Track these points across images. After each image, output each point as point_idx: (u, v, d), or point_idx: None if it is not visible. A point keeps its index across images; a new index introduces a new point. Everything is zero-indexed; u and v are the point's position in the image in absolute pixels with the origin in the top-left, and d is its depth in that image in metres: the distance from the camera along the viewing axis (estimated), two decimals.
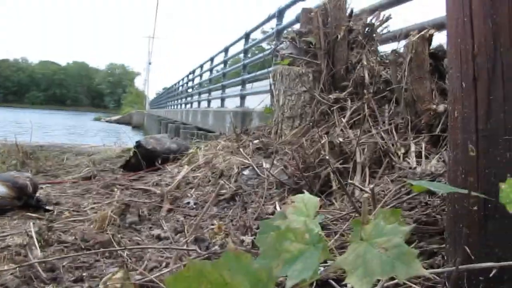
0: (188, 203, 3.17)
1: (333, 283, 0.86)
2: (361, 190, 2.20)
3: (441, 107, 2.74)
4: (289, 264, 0.61)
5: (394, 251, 0.58)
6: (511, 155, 0.93)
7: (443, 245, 1.29)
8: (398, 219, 0.64)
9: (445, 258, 1.07)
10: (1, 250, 2.28)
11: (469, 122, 1.00)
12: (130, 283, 0.85)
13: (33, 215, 3.00)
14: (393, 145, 2.76)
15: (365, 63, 3.60)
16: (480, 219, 0.99)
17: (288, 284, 0.59)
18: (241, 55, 11.36)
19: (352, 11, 3.95)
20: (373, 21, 3.86)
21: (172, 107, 26.11)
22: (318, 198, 0.70)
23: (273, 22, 8.46)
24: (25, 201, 3.12)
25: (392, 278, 0.77)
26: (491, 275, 0.89)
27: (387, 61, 3.53)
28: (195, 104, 17.51)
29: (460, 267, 0.89)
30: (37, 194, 3.28)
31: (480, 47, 0.96)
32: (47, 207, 3.16)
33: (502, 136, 0.93)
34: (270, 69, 7.07)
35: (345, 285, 0.90)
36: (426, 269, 1.04)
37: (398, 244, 0.59)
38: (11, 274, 1.95)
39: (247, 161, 3.41)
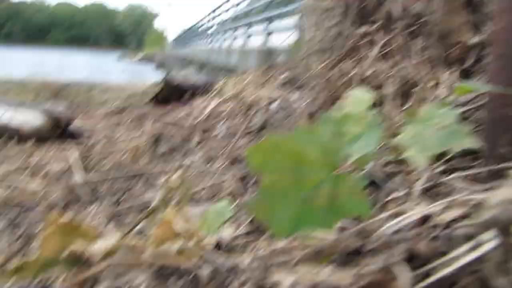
0: (218, 134, 3.23)
1: (380, 181, 0.92)
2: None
3: (473, 40, 2.72)
4: (352, 143, 0.67)
5: (448, 129, 0.63)
6: None
7: (475, 163, 1.34)
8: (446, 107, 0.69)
9: (484, 164, 1.12)
10: (45, 174, 2.40)
11: None
12: (187, 183, 0.92)
13: (69, 145, 3.11)
14: (422, 77, 2.76)
15: None
16: None
17: (354, 156, 0.65)
18: None
19: None
20: None
21: (195, 46, 25.92)
22: (369, 95, 0.75)
23: None
24: (61, 132, 3.23)
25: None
26: None
27: None
28: (218, 43, 17.35)
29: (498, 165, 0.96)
30: (71, 126, 3.38)
31: None
32: (81, 138, 3.27)
33: None
34: (294, 6, 6.96)
35: None
36: (463, 178, 1.10)
37: (451, 123, 0.64)
38: (56, 195, 2.07)
39: (275, 94, 3.44)
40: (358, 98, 0.71)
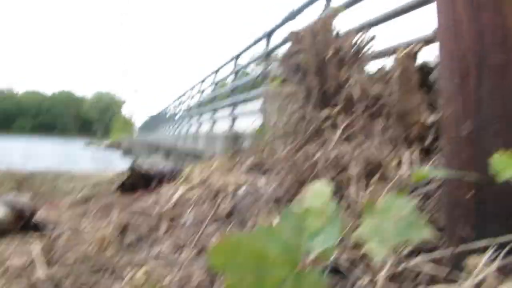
0: (186, 222, 3.21)
1: (344, 270, 0.92)
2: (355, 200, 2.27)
3: (429, 119, 2.84)
4: (313, 237, 0.68)
5: (405, 220, 0.65)
6: (500, 140, 1.04)
7: (439, 243, 1.37)
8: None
9: (446, 245, 1.15)
10: (5, 270, 2.31)
11: (462, 116, 1.12)
12: (153, 278, 0.90)
13: (33, 237, 3.03)
14: (385, 157, 2.84)
15: (354, 80, 3.70)
16: (475, 204, 1.09)
17: (315, 251, 0.66)
18: (230, 79, 11.50)
19: (338, 32, 4.07)
20: (359, 41, 3.98)
21: (161, 132, 26.11)
22: (330, 187, 0.77)
23: (262, 44, 8.60)
24: (24, 223, 3.15)
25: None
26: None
27: (376, 77, 3.63)
28: (184, 128, 17.55)
29: (458, 247, 0.99)
30: (35, 217, 3.30)
31: (469, 45, 1.10)
32: (46, 229, 3.19)
33: (492, 125, 1.05)
34: (259, 91, 7.18)
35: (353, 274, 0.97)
36: (426, 262, 1.12)
37: (409, 214, 0.66)
38: None
39: (242, 180, 3.47)
40: (318, 191, 0.74)
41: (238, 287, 0.63)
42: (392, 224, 0.67)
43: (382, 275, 0.82)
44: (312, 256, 0.67)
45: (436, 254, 1.14)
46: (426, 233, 0.64)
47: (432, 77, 3.05)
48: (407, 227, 0.65)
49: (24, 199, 3.33)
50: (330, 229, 0.69)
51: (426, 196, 1.81)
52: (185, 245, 2.64)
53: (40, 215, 3.61)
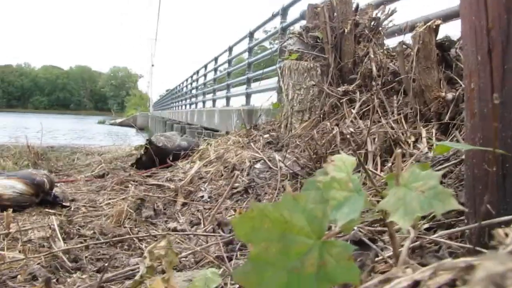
0: (202, 196, 3.22)
1: (368, 241, 0.92)
2: (375, 174, 2.26)
3: (449, 95, 2.80)
4: (337, 209, 0.68)
5: (430, 192, 0.64)
6: None
7: (460, 218, 1.36)
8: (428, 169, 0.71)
9: (466, 221, 1.13)
10: (25, 243, 2.34)
11: (485, 91, 1.09)
12: (173, 251, 0.91)
13: (51, 211, 3.07)
14: (403, 133, 2.81)
15: (372, 56, 3.66)
16: (498, 179, 1.07)
17: (339, 224, 0.65)
18: (245, 54, 11.43)
19: (357, 6, 4.01)
20: (379, 15, 3.92)
21: (177, 108, 26.18)
22: (354, 158, 0.76)
23: (277, 20, 8.51)
24: (42, 197, 3.19)
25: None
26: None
27: (394, 53, 3.59)
28: (200, 104, 17.57)
29: (482, 222, 0.97)
30: (53, 191, 3.34)
31: (494, 21, 1.06)
32: (63, 203, 3.23)
33: None
34: (276, 66, 7.13)
35: (377, 244, 0.96)
36: (446, 239, 1.11)
37: (434, 186, 0.65)
38: (37, 264, 2.02)
39: (258, 155, 3.47)
40: (341, 162, 0.73)
41: (263, 256, 0.62)
42: (417, 195, 0.65)
43: (404, 248, 0.81)
44: (336, 227, 0.66)
45: (459, 228, 1.12)
46: (452, 205, 0.62)
47: (452, 53, 3.00)
48: (433, 199, 0.64)
49: (42, 173, 3.35)
50: (354, 200, 0.68)
51: (445, 173, 1.79)
52: (202, 219, 2.66)
53: (58, 190, 3.65)
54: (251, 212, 0.63)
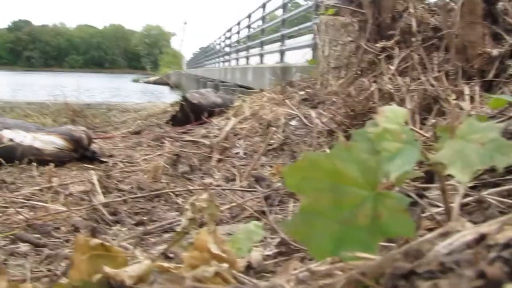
0: (238, 153, 3.22)
1: (415, 196, 0.89)
2: (415, 131, 2.20)
3: (495, 52, 2.68)
4: (390, 161, 0.65)
5: (491, 144, 0.60)
6: None
7: (507, 177, 1.31)
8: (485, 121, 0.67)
9: None
10: (66, 196, 2.40)
11: None
12: (215, 204, 0.90)
13: (90, 166, 3.12)
14: (443, 91, 2.73)
15: (412, 10, 3.52)
16: None
17: (392, 176, 0.63)
18: (279, 11, 11.23)
19: None
20: None
21: (210, 66, 26.15)
22: (405, 110, 0.72)
23: None
24: (81, 153, 3.24)
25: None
26: None
27: (435, 8, 3.45)
28: (233, 62, 17.49)
29: None
30: (92, 147, 3.39)
31: None
32: (102, 159, 3.28)
33: None
34: (311, 23, 6.98)
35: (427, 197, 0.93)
36: (497, 195, 1.07)
37: (495, 138, 0.61)
38: (79, 216, 2.06)
39: (293, 112, 3.43)
40: (392, 114, 0.69)
41: (314, 207, 0.60)
42: (476, 148, 0.62)
43: (456, 204, 0.78)
44: (390, 179, 0.63)
45: (507, 186, 1.08)
46: None
47: (499, 6, 2.86)
48: (494, 152, 0.60)
49: (81, 129, 3.40)
50: (407, 152, 0.65)
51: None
52: (238, 175, 2.66)
53: (96, 146, 3.70)
54: (302, 162, 0.60)
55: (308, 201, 0.60)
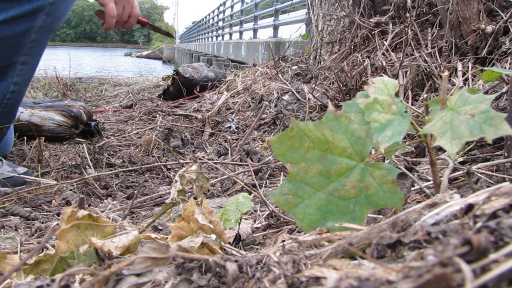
0: (230, 127, 3.21)
1: (404, 169, 0.89)
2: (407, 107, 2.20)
3: (489, 28, 2.67)
4: (379, 132, 0.64)
5: (481, 116, 0.59)
6: None
7: (496, 153, 1.31)
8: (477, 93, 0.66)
9: (507, 153, 1.08)
10: (57, 170, 2.39)
11: None
12: (204, 176, 0.89)
13: (82, 140, 3.10)
14: (436, 67, 2.72)
15: None
16: None
17: (381, 147, 0.62)
18: None
19: None
20: None
21: (203, 40, 25.93)
22: (395, 81, 0.71)
23: None
24: (82, 129, 3.21)
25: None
26: None
27: None
28: (226, 37, 17.35)
29: None
30: (94, 122, 3.35)
31: None
32: (99, 134, 3.25)
33: None
34: None
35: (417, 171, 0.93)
36: (486, 169, 1.07)
37: (486, 109, 0.60)
38: (70, 190, 2.06)
39: (286, 86, 3.41)
40: (383, 85, 0.68)
41: (302, 177, 0.60)
42: (466, 119, 0.61)
43: (445, 176, 0.78)
44: (379, 150, 0.63)
45: (497, 161, 1.08)
46: (506, 130, 0.58)
47: None
48: (484, 123, 0.59)
49: (79, 105, 3.35)
50: (398, 123, 0.64)
51: None
52: (230, 148, 2.65)
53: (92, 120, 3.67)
54: (291, 131, 0.59)
55: (296, 171, 0.60)
